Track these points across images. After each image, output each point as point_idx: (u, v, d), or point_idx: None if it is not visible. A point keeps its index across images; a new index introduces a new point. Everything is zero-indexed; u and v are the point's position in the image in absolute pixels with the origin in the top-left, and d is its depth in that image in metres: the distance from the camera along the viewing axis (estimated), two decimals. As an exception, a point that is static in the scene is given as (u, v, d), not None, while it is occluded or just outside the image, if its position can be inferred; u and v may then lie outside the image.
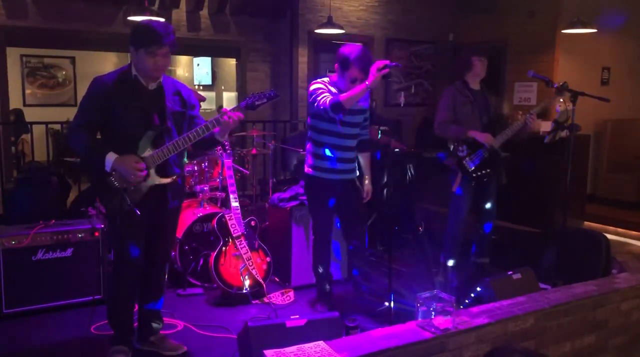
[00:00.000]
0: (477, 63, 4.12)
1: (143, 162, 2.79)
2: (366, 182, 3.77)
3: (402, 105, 7.55)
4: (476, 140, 4.03)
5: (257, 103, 2.92)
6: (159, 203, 2.95)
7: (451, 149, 4.14)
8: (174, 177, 2.95)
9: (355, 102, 3.31)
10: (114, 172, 2.77)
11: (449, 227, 4.29)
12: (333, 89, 3.43)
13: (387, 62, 3.10)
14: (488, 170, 4.09)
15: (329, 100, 3.25)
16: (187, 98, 3.02)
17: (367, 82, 3.14)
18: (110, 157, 2.75)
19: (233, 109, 2.86)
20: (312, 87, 3.44)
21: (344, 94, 3.24)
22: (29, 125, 7.51)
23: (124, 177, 2.77)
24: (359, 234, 3.79)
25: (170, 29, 2.80)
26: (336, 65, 3.46)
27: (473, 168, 4.06)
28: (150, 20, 2.88)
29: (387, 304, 3.41)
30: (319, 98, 3.33)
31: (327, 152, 3.52)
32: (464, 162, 4.07)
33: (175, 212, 3.15)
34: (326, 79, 3.50)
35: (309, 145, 3.63)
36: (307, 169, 3.63)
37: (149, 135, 2.83)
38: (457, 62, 4.39)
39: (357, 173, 3.71)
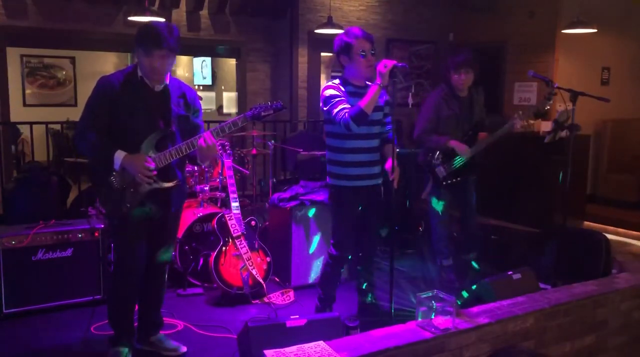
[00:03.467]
0: (455, 77, 4.01)
1: (153, 162, 2.78)
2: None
3: (410, 106, 7.55)
4: (453, 150, 3.99)
5: (263, 113, 2.91)
6: (162, 206, 2.95)
7: (426, 156, 4.11)
8: (176, 182, 2.94)
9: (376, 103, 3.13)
10: (114, 173, 2.77)
11: (432, 230, 4.30)
12: (343, 88, 3.23)
13: (395, 62, 3.02)
14: (458, 179, 4.07)
15: (348, 113, 3.05)
16: (191, 101, 3.01)
17: (377, 82, 3.05)
18: (119, 155, 2.74)
19: (238, 118, 2.86)
20: (326, 93, 3.21)
21: (362, 100, 3.06)
22: (17, 126, 7.51)
23: (131, 175, 2.76)
24: (374, 247, 3.56)
25: (174, 33, 2.76)
26: (340, 59, 3.27)
27: (444, 176, 4.05)
28: (157, 23, 2.85)
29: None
30: (335, 111, 3.11)
31: (351, 157, 3.27)
32: (437, 170, 4.06)
33: (177, 213, 3.16)
34: (336, 81, 3.27)
35: (329, 153, 3.36)
36: (329, 179, 3.36)
37: (152, 137, 2.82)
38: (441, 67, 4.30)
39: (381, 179, 3.42)
